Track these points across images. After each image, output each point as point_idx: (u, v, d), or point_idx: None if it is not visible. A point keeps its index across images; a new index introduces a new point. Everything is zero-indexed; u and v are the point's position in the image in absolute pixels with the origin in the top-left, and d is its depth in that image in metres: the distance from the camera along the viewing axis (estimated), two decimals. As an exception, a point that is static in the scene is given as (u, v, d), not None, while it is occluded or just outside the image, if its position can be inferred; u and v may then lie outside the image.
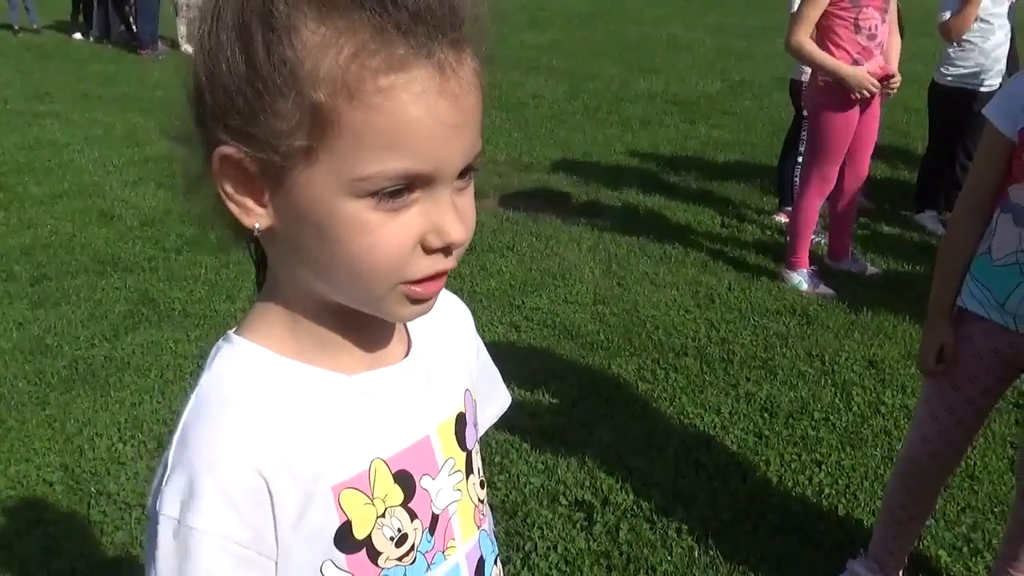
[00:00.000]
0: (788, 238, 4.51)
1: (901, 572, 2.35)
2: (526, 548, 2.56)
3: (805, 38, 4.02)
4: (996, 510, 2.70)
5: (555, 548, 2.57)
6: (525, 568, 2.49)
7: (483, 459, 3.16)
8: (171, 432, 0.76)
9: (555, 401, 3.36)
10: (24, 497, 2.83)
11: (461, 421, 0.91)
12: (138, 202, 5.67)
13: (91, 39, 12.51)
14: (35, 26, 12.75)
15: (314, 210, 0.71)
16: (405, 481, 0.82)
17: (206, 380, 0.78)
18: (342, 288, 0.76)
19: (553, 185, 6.06)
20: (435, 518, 0.85)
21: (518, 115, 7.92)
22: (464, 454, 0.91)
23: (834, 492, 2.80)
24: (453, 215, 0.73)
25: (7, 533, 2.68)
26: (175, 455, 0.74)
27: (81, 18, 12.84)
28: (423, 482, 0.84)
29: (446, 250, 0.74)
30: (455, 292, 3.81)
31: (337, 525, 0.77)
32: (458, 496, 0.89)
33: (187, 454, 0.73)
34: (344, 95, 0.67)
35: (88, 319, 4.07)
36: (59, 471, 2.96)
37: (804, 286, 4.34)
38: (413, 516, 0.82)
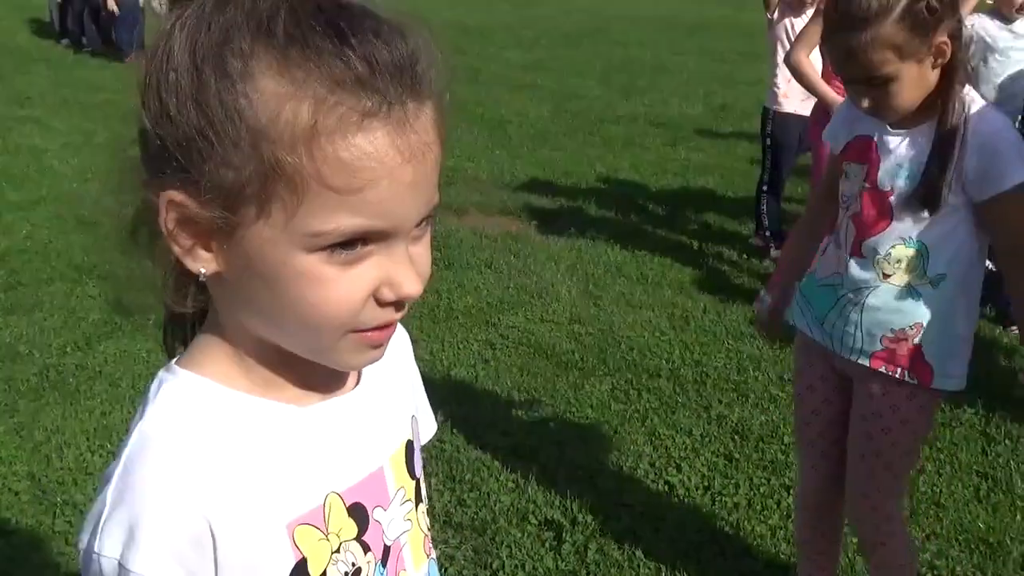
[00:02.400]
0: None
1: None
2: (494, 566, 2.56)
3: (805, 58, 4.09)
4: (960, 538, 2.73)
5: (523, 567, 2.57)
6: (492, 587, 2.49)
7: (452, 476, 3.14)
8: (111, 465, 0.73)
9: (527, 419, 3.37)
10: (-12, 506, 2.81)
11: (410, 449, 0.90)
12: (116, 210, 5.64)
13: (71, 44, 12.44)
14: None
15: (264, 261, 0.69)
16: (359, 514, 0.81)
17: (152, 413, 0.74)
18: (290, 336, 0.74)
19: (533, 203, 6.08)
20: (387, 549, 0.84)
21: (501, 133, 7.95)
22: (413, 482, 0.90)
23: (802, 516, 2.81)
24: (408, 268, 0.71)
25: (-30, 542, 2.65)
26: (116, 492, 0.71)
27: (58, 24, 12.77)
28: (376, 514, 0.83)
29: (398, 303, 0.73)
30: (432, 308, 3.83)
31: (292, 563, 0.75)
32: (408, 526, 0.88)
33: (130, 494, 0.70)
34: (299, 150, 0.65)
35: (61, 327, 4.04)
36: (25, 480, 2.93)
37: None
38: (366, 549, 0.81)
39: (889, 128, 1.83)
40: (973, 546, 2.70)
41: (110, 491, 0.71)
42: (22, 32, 13.23)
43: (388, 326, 0.74)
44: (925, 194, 1.78)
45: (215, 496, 0.71)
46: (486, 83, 10.20)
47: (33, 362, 3.71)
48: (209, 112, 0.66)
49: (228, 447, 0.73)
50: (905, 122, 1.81)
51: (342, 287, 0.69)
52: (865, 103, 1.76)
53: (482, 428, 3.27)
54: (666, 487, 2.97)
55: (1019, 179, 1.75)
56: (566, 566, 2.58)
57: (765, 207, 5.07)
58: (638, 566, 2.58)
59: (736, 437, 3.28)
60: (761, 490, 2.96)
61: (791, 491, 2.95)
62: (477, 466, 3.01)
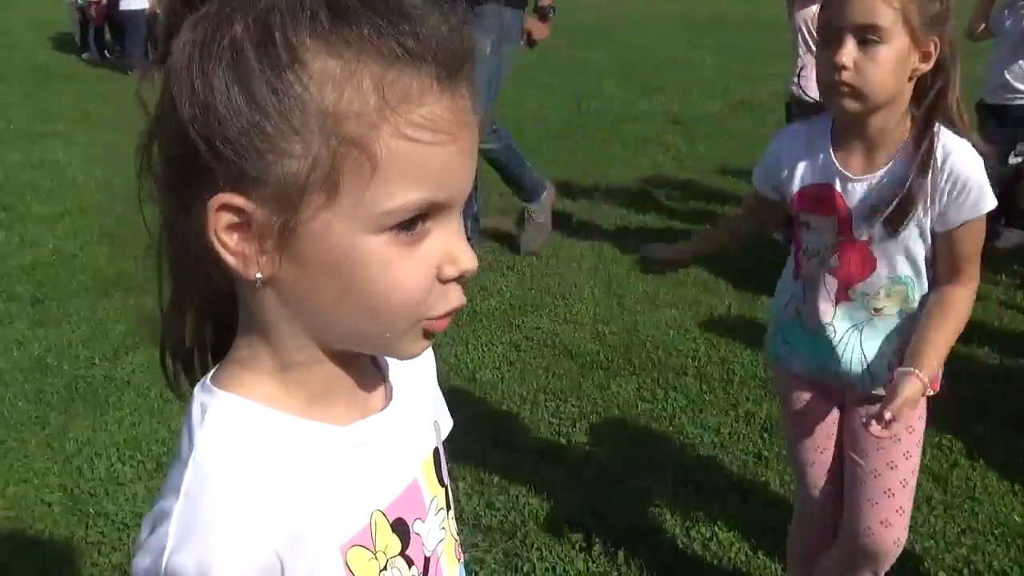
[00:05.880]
0: None
1: None
2: (524, 569, 2.55)
3: None
4: (997, 532, 2.69)
5: (553, 569, 2.56)
6: (523, 590, 2.48)
7: (480, 480, 3.14)
8: (168, 498, 0.70)
9: (554, 421, 3.35)
10: (22, 518, 2.83)
11: (437, 456, 0.90)
12: (140, 222, 5.69)
13: (93, 58, 12.59)
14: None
15: (330, 251, 0.68)
16: (401, 529, 0.81)
17: (203, 442, 0.72)
18: (354, 331, 0.73)
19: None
20: (427, 561, 0.84)
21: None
22: (443, 490, 0.90)
23: (834, 513, 2.79)
24: (464, 243, 0.73)
25: (4, 554, 2.68)
26: (180, 528, 0.68)
27: (79, 39, 12.92)
28: (416, 527, 0.82)
29: (459, 279, 0.73)
30: (454, 312, 3.66)
31: None
32: (443, 535, 0.88)
33: (197, 531, 0.68)
34: (366, 124, 0.65)
35: (88, 339, 4.08)
36: (58, 492, 2.95)
37: None
38: (410, 563, 0.81)
39: (850, 175, 1.75)
40: (1010, 540, 2.66)
41: (173, 527, 0.68)
42: (44, 48, 13.40)
43: (453, 311, 0.74)
44: (892, 219, 1.72)
45: (280, 527, 0.70)
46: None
47: (62, 374, 3.75)
48: (264, 104, 0.65)
49: (284, 474, 0.72)
50: (863, 164, 1.75)
51: (410, 268, 0.70)
52: (844, 59, 1.62)
53: (509, 430, 3.27)
54: (695, 486, 2.95)
55: (988, 208, 1.70)
56: (597, 568, 2.57)
57: None
58: (669, 566, 2.56)
59: (765, 434, 3.25)
60: (792, 487, 2.92)
61: (822, 488, 2.93)
62: (505, 469, 3.00)
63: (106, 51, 12.64)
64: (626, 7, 17.49)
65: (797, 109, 4.89)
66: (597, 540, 2.66)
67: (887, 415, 1.63)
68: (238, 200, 0.67)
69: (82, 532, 2.75)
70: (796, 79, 4.91)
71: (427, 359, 0.95)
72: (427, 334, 0.74)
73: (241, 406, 0.74)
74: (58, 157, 7.29)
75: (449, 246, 0.71)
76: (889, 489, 1.92)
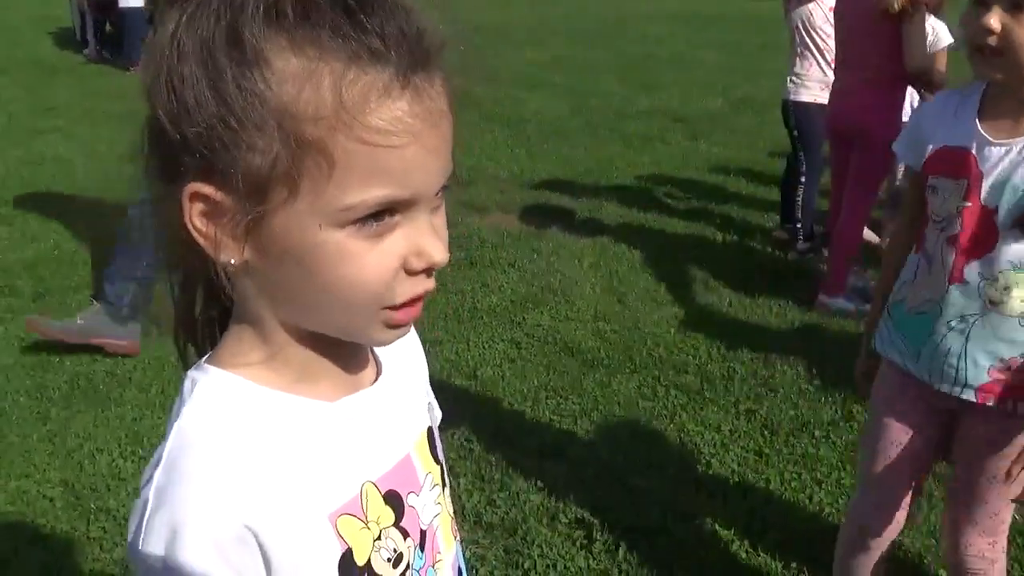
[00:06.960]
0: (827, 265, 4.46)
1: None
2: (525, 566, 2.56)
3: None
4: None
5: (554, 566, 2.56)
6: (524, 586, 2.49)
7: (482, 476, 3.14)
8: (153, 459, 0.73)
9: (555, 418, 3.36)
10: (24, 513, 2.84)
11: (431, 435, 0.93)
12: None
13: (91, 55, 12.56)
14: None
15: (295, 243, 0.70)
16: (394, 501, 0.82)
17: (188, 412, 0.75)
18: (323, 318, 0.75)
19: (555, 202, 6.07)
20: (423, 534, 0.86)
21: (520, 131, 7.94)
22: (438, 467, 0.92)
23: (834, 511, 2.79)
24: (433, 236, 0.73)
25: (6, 550, 2.68)
26: (157, 492, 0.71)
27: (80, 34, 12.90)
28: (410, 500, 0.84)
29: (427, 271, 0.74)
30: (456, 308, 3.83)
31: (340, 554, 0.76)
32: (439, 510, 0.90)
33: (172, 496, 0.70)
34: (326, 125, 0.67)
35: (90, 334, 4.07)
36: (59, 487, 2.96)
37: (851, 307, 4.24)
38: (405, 535, 0.83)
39: (990, 138, 1.65)
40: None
41: (152, 490, 0.71)
42: (45, 43, 13.38)
43: (416, 301, 0.76)
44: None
45: (256, 497, 0.72)
46: (504, 82, 10.19)
47: (63, 370, 3.75)
48: (229, 99, 0.67)
49: (265, 445, 0.74)
50: (1007, 131, 1.64)
51: (373, 260, 0.71)
52: (992, 22, 1.54)
53: (510, 428, 3.27)
54: (696, 484, 2.95)
55: None
56: (597, 565, 2.57)
57: (800, 199, 4.95)
58: (670, 564, 2.56)
59: (766, 432, 3.26)
60: (792, 485, 2.94)
61: (822, 485, 2.93)
62: (506, 466, 3.01)
63: (107, 48, 12.61)
64: (626, 6, 17.48)
65: (794, 109, 4.88)
66: (598, 537, 2.67)
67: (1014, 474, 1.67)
68: (207, 189, 0.69)
69: (83, 527, 2.75)
70: (791, 79, 4.91)
71: (414, 347, 0.97)
72: (393, 324, 0.76)
73: (228, 380, 0.76)
74: (59, 152, 7.29)
75: (417, 239, 0.73)
76: (988, 510, 1.90)
